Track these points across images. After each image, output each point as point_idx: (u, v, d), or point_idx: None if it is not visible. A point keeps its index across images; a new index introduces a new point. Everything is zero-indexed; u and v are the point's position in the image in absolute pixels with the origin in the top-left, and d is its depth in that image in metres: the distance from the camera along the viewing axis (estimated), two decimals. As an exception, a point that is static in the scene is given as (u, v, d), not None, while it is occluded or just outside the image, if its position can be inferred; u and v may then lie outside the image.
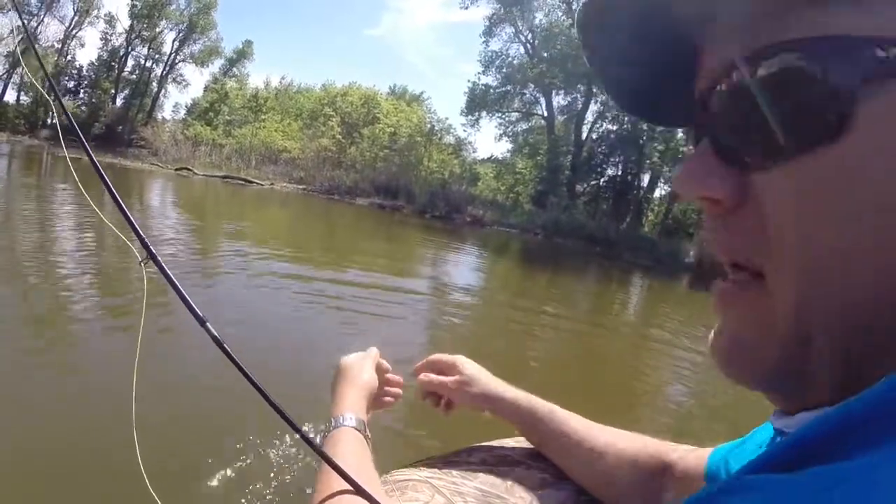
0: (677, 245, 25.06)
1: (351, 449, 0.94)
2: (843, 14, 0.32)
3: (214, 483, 2.81)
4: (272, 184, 28.25)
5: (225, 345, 1.03)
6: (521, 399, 1.10)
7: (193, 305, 1.06)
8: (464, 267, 13.41)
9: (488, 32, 34.47)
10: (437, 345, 6.25)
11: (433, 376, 1.19)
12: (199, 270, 7.65)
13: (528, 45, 34.12)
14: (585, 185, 34.45)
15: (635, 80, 0.45)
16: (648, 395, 5.74)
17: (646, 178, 32.30)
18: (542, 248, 21.87)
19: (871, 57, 0.31)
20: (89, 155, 1.24)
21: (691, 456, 0.90)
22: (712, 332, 0.43)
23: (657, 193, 33.35)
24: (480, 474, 1.00)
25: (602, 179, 34.71)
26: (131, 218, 1.16)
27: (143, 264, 1.14)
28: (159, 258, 1.13)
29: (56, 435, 2.93)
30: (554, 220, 26.19)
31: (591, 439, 1.01)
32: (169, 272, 1.09)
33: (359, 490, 0.84)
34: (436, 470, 1.00)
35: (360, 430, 1.00)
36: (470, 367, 1.18)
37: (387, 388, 1.25)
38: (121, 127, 44.44)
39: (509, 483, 1.00)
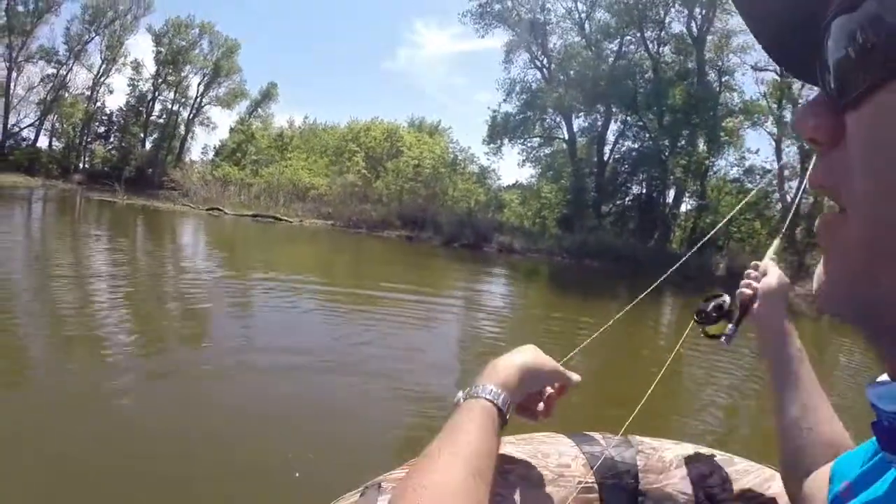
0: (707, 259, 24.77)
1: (473, 428, 0.86)
2: None
3: None
4: (301, 220, 28.45)
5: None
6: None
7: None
8: (497, 292, 13.49)
9: (507, 60, 34.72)
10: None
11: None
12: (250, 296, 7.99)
13: (545, 69, 34.24)
14: (611, 206, 34.22)
15: (779, 29, 0.43)
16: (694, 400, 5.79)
17: (671, 194, 31.98)
18: (570, 271, 21.81)
19: None
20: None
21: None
22: None
23: (683, 208, 33.04)
24: None
25: (627, 198, 34.40)
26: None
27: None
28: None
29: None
30: (581, 242, 26.04)
31: (817, 407, 1.05)
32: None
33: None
34: None
35: (496, 405, 0.91)
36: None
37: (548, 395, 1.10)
38: (151, 170, 45.10)
39: (510, 481, 1.01)
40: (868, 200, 0.34)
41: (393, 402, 4.76)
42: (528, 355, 1.02)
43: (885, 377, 0.41)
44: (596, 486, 1.11)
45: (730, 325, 1.25)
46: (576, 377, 1.08)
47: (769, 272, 1.24)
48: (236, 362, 5.29)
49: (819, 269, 0.42)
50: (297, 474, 3.25)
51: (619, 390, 5.68)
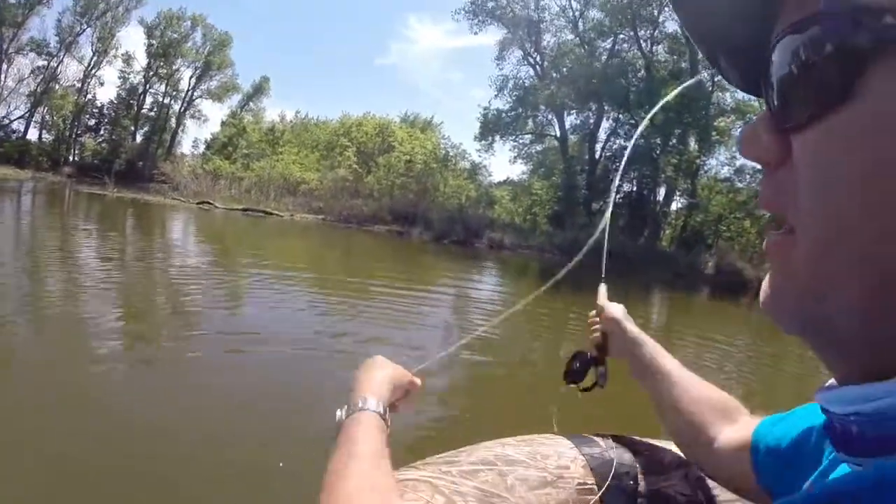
0: (696, 257, 24.86)
1: (369, 437, 0.92)
2: None
3: None
4: (292, 215, 28.37)
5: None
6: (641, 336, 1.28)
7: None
8: (486, 288, 13.51)
9: (500, 57, 34.66)
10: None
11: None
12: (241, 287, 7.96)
13: (538, 66, 34.24)
14: (601, 203, 34.29)
15: (731, 48, 0.46)
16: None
17: (661, 192, 32.10)
18: (561, 268, 21.78)
19: (879, 25, 0.33)
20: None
21: (749, 421, 1.00)
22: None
23: (674, 206, 33.13)
24: (480, 474, 1.01)
25: (618, 196, 34.50)
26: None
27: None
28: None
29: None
30: (572, 239, 26.04)
31: (680, 378, 1.16)
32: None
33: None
34: (436, 470, 1.01)
35: (381, 416, 0.98)
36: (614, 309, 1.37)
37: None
38: (141, 163, 44.95)
39: (509, 483, 1.01)
40: (816, 222, 0.37)
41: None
42: (389, 369, 1.13)
43: (833, 382, 0.44)
44: (595, 487, 1.10)
45: (600, 368, 1.34)
46: (419, 381, 1.19)
47: (607, 309, 1.38)
48: (226, 355, 5.30)
49: (765, 283, 0.45)
50: (281, 464, 3.25)
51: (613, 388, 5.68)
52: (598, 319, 1.40)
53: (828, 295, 0.38)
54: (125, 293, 7.35)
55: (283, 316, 7.11)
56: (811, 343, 0.42)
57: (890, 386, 0.36)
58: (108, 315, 6.10)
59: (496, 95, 34.48)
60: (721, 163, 30.59)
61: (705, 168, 30.43)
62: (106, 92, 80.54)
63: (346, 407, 1.00)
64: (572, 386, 1.34)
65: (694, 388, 1.12)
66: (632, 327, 1.31)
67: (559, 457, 1.13)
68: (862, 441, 0.38)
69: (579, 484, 1.08)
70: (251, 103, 52.45)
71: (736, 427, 1.02)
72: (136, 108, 48.79)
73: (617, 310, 1.36)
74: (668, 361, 1.19)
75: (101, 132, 49.63)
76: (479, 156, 37.42)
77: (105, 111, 49.42)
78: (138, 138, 49.13)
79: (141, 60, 47.98)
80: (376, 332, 6.73)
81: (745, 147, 0.43)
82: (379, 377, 1.08)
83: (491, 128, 34.13)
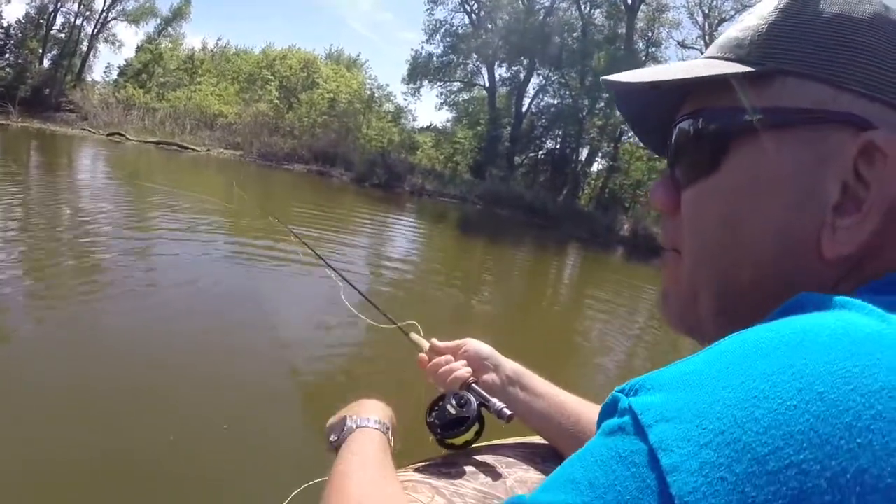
0: (613, 218, 25.47)
1: (372, 450, 0.91)
2: (730, 96, 0.50)
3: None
4: (208, 150, 27.48)
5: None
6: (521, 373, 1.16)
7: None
8: (404, 235, 13.49)
9: (434, 0, 34.09)
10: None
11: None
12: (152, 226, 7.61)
13: (474, 14, 33.84)
14: (524, 157, 34.66)
15: (649, 126, 0.66)
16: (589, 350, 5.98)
17: (584, 153, 32.73)
18: (482, 217, 22.06)
19: (737, 120, 0.50)
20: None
21: None
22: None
23: (595, 167, 33.87)
24: (480, 475, 1.00)
25: (540, 152, 34.94)
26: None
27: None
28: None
29: None
30: (492, 190, 26.31)
31: (565, 405, 1.10)
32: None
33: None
34: (436, 471, 1.00)
35: (382, 431, 0.97)
36: (475, 344, 1.21)
37: None
38: (48, 90, 42.11)
39: (509, 484, 1.00)
40: (691, 250, 0.55)
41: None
42: (383, 406, 1.07)
43: None
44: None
45: (494, 402, 1.09)
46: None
47: (466, 344, 1.22)
48: (138, 307, 5.12)
49: (660, 292, 0.62)
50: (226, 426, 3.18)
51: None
52: (447, 362, 1.19)
53: (698, 296, 0.54)
54: (27, 241, 6.89)
55: (203, 271, 7.00)
56: (696, 339, 0.57)
57: None
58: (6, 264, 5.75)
59: (427, 40, 34.20)
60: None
61: (629, 134, 31.09)
62: (13, 10, 75.15)
63: (353, 417, 0.99)
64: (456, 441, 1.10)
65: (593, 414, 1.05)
66: (507, 359, 1.19)
67: (559, 458, 1.09)
68: None
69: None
70: (170, 28, 49.62)
71: None
72: (45, 29, 45.58)
73: (478, 343, 1.21)
74: (563, 392, 1.13)
75: (6, 55, 46.23)
76: (405, 99, 37.06)
77: (11, 32, 45.98)
78: (46, 63, 45.84)
79: (54, -26, 44.80)
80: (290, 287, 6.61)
81: (653, 199, 0.59)
82: (380, 409, 1.04)
83: (420, 71, 33.93)
